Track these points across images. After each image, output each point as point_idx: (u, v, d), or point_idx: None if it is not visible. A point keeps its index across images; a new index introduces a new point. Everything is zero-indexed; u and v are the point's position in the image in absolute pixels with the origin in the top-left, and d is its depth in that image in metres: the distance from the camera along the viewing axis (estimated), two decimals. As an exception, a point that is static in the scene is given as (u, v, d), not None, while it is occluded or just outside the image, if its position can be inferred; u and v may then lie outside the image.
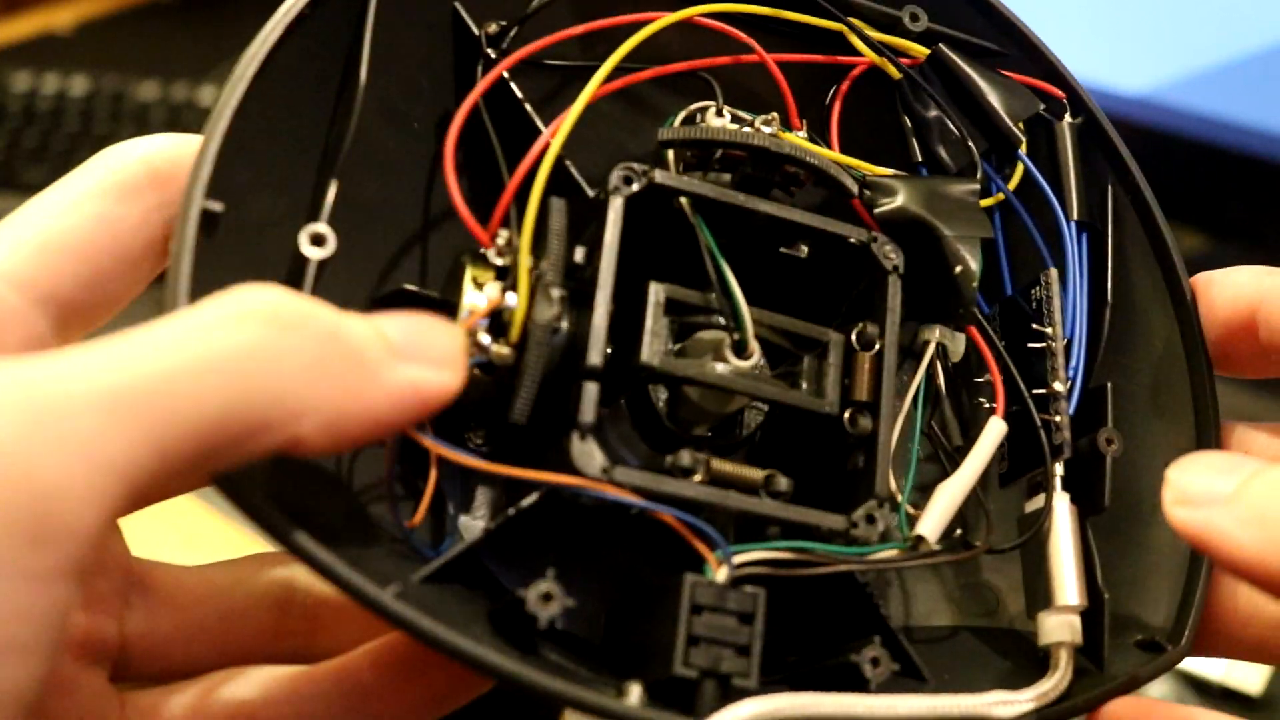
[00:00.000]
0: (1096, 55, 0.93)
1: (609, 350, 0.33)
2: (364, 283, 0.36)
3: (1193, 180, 0.96)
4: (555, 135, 0.34)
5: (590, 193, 0.35)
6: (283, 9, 0.33)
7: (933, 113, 0.39)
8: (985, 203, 0.39)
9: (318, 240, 0.32)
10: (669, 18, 0.36)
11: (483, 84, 0.35)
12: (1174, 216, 0.40)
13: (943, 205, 0.36)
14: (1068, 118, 0.40)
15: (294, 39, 0.33)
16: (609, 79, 0.35)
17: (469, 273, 0.34)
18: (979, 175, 0.38)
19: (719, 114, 0.37)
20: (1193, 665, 0.71)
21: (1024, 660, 0.36)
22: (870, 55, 0.39)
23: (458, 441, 0.35)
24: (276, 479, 0.30)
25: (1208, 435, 0.38)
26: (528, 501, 0.32)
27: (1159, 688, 0.69)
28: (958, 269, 0.36)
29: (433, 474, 0.34)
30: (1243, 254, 1.07)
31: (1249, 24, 0.90)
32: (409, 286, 0.36)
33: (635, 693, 0.30)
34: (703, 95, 0.38)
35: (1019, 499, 0.38)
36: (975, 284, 0.36)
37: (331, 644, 0.35)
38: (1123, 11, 0.94)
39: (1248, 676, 0.71)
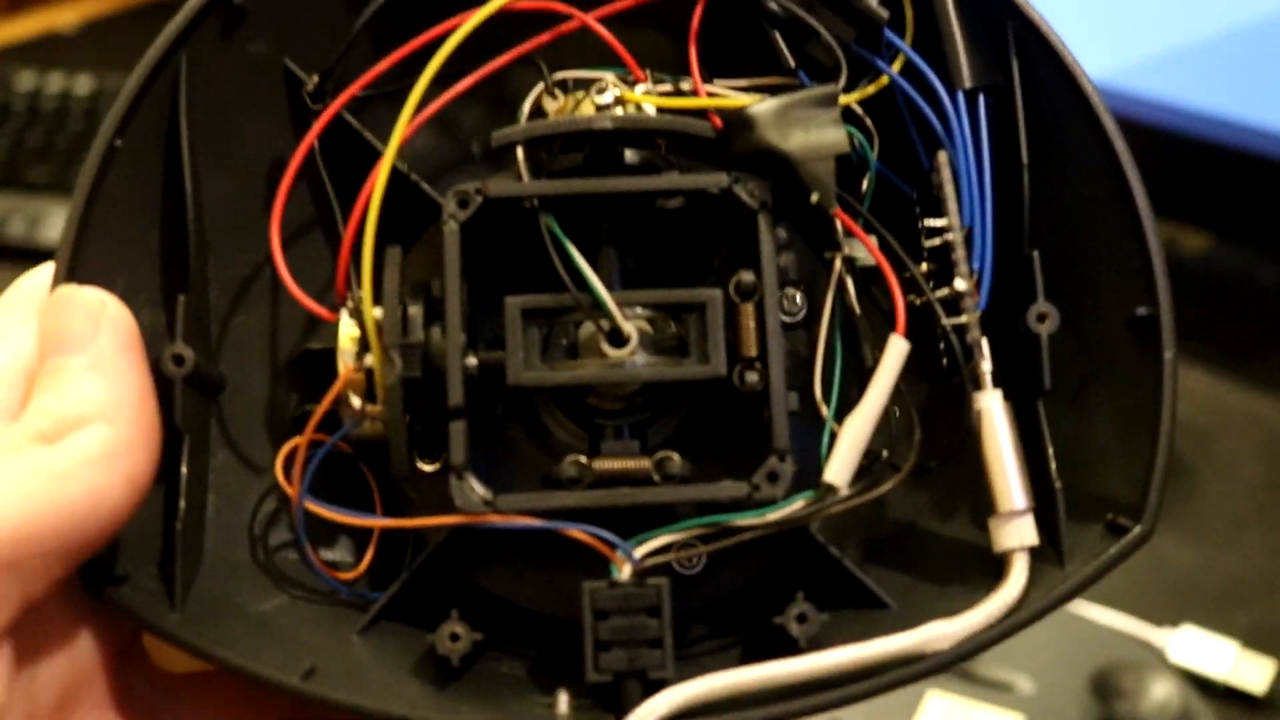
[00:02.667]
0: (1102, 53, 0.98)
1: (477, 373, 0.37)
2: (273, 348, 0.41)
3: (1198, 180, 1.00)
4: (379, 172, 0.37)
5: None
6: (100, 136, 0.38)
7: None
8: (868, 90, 0.40)
9: (179, 360, 0.37)
10: (468, 26, 0.38)
11: (309, 136, 0.39)
12: (1179, 216, 0.41)
13: (795, 125, 0.38)
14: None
15: (118, 160, 0.38)
16: (439, 90, 0.38)
17: (343, 333, 0.38)
18: (842, 75, 0.39)
19: (552, 96, 0.40)
20: (1197, 664, 0.75)
21: (991, 564, 0.39)
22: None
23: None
24: (199, 579, 0.36)
25: (1153, 285, 0.38)
26: (435, 543, 0.37)
27: (1164, 687, 0.74)
28: (814, 197, 0.38)
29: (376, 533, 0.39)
30: (1248, 253, 1.07)
31: (1255, 23, 0.95)
32: (313, 346, 0.41)
33: (563, 701, 0.35)
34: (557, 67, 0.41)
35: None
36: (832, 208, 0.38)
37: None
38: (1129, 9, 1.00)
39: (1252, 675, 0.76)
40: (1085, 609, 0.80)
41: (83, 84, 1.16)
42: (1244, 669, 0.77)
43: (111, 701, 0.37)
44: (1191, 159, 1.01)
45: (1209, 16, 0.98)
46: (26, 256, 1.08)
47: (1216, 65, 0.98)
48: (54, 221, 1.09)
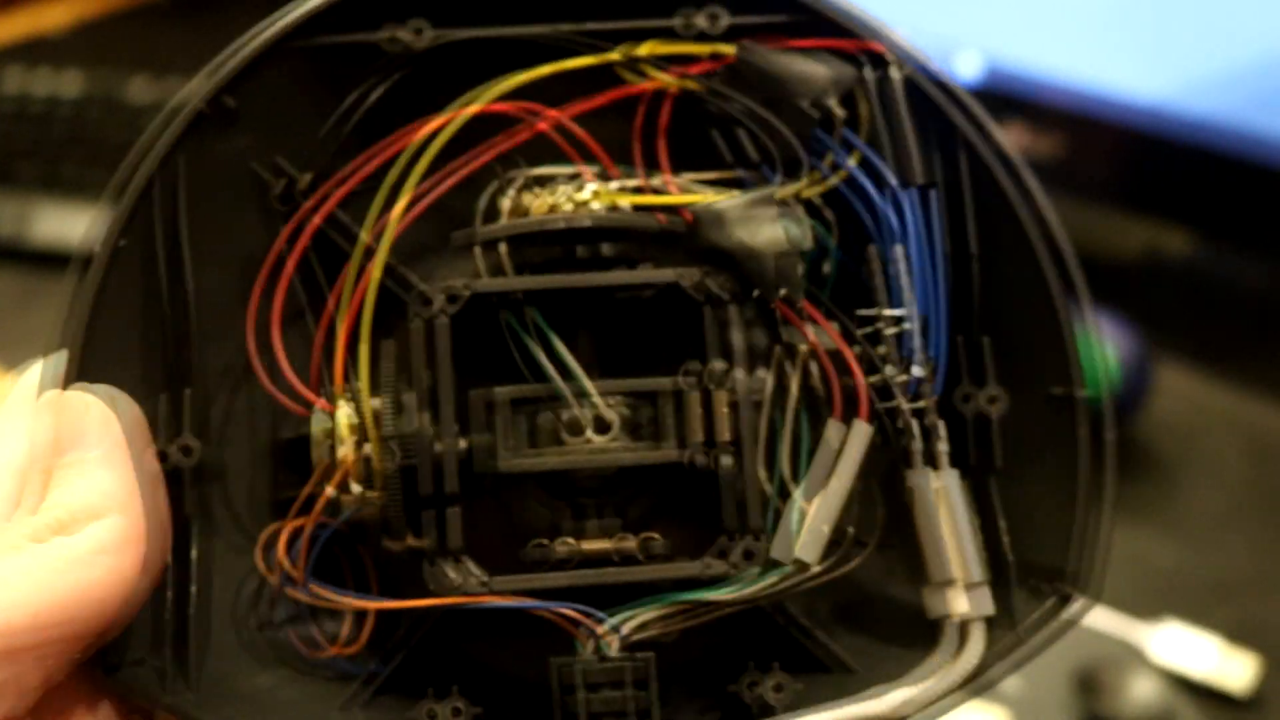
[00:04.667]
0: (1094, 59, 1.04)
1: (465, 456, 0.40)
2: (254, 433, 0.45)
3: (1181, 180, 1.04)
4: (372, 273, 0.41)
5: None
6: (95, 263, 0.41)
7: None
8: (828, 184, 0.43)
9: (186, 451, 0.40)
10: (444, 135, 0.42)
11: (280, 238, 0.43)
12: (1168, 218, 0.44)
13: (764, 221, 0.42)
14: (893, 72, 0.43)
15: (120, 258, 0.41)
16: (421, 192, 0.42)
17: (341, 419, 0.41)
18: (803, 171, 0.43)
19: (530, 193, 0.43)
20: (1180, 662, 0.79)
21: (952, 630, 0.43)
22: (662, 78, 0.43)
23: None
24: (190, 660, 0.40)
25: (1067, 365, 0.42)
26: (431, 620, 0.41)
27: (1147, 685, 0.77)
28: (781, 292, 0.41)
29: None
30: (1235, 256, 1.12)
31: (1244, 28, 0.99)
32: (296, 433, 0.44)
33: None
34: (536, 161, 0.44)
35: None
36: (799, 301, 0.41)
37: None
38: (1121, 16, 1.03)
39: (1235, 673, 0.79)
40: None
41: (70, 84, 1.19)
42: (1226, 667, 0.81)
43: None
44: (1175, 160, 1.04)
45: (1200, 23, 1.02)
46: (14, 256, 1.12)
47: (1211, 69, 1.02)
48: (41, 221, 1.12)
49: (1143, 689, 0.79)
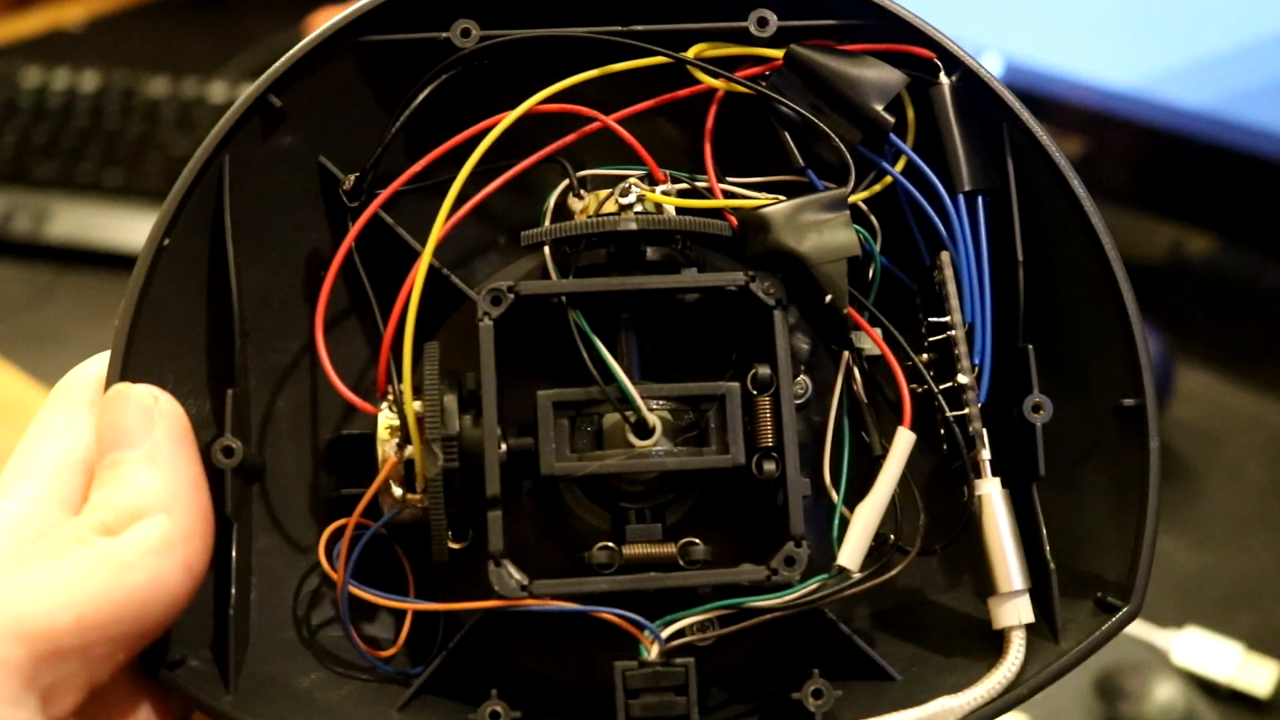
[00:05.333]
0: (1112, 56, 1.03)
1: (506, 459, 0.41)
2: (307, 433, 0.45)
3: (1205, 182, 1.04)
4: (417, 273, 0.41)
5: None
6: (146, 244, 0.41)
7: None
8: (874, 189, 0.44)
9: (228, 452, 0.40)
10: (498, 129, 0.42)
11: (349, 238, 0.43)
12: (1186, 218, 0.44)
13: (809, 228, 0.42)
14: (942, 77, 0.44)
15: (165, 258, 0.41)
16: (472, 194, 0.42)
17: (382, 423, 0.42)
18: (850, 177, 0.43)
19: (577, 195, 0.43)
20: (1201, 666, 0.78)
21: (991, 637, 0.43)
22: (712, 83, 0.43)
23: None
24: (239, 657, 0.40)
25: (1139, 377, 0.42)
26: (470, 623, 0.41)
27: (1168, 689, 0.77)
28: (827, 298, 0.41)
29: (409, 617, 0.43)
30: (1254, 256, 1.12)
31: (1263, 25, 0.98)
32: (348, 432, 0.45)
33: None
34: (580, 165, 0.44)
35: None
36: (845, 309, 0.42)
37: None
38: (1139, 13, 1.03)
39: (1257, 678, 0.78)
40: None
41: (88, 80, 1.19)
42: (1248, 671, 0.80)
43: None
44: (1198, 162, 1.04)
45: (1222, 25, 1.01)
46: (32, 253, 1.12)
47: (1225, 70, 1.01)
48: (59, 217, 1.12)
49: (1164, 693, 0.78)
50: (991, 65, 1.09)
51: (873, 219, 0.44)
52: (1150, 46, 1.04)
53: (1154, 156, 1.09)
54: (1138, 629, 0.83)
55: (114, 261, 1.07)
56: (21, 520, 0.38)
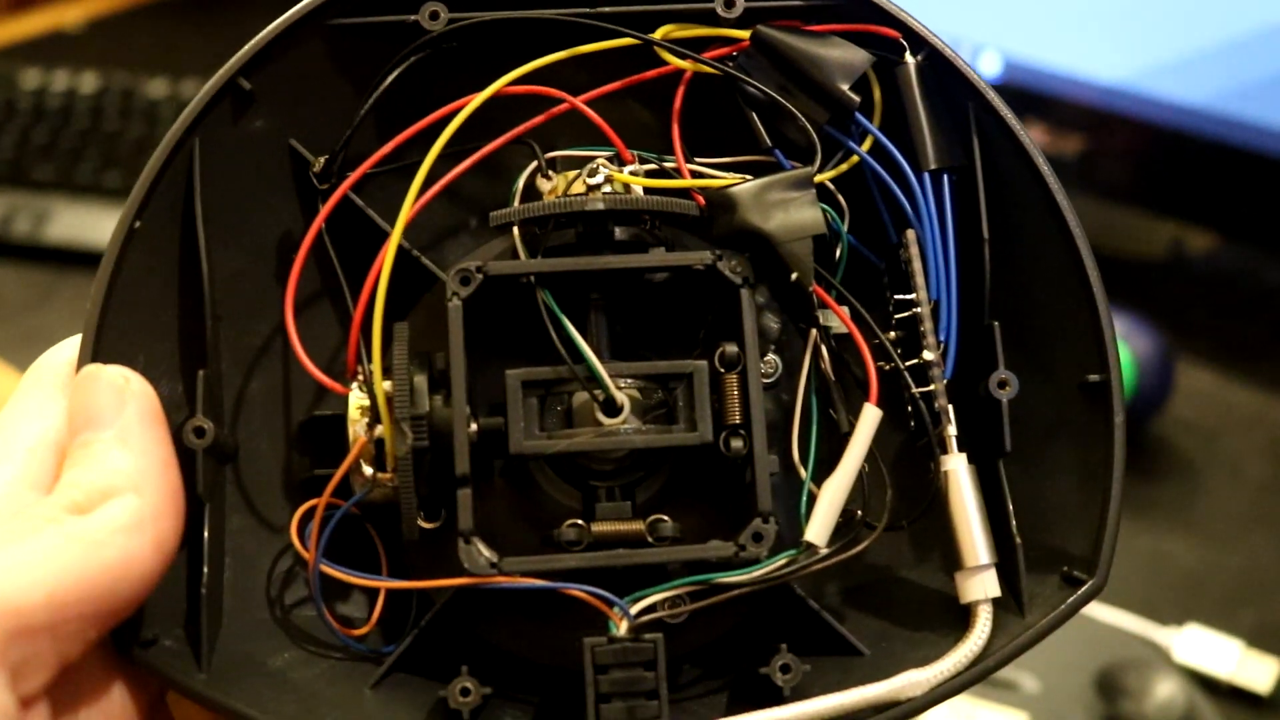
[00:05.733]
0: (1111, 53, 1.04)
1: (477, 439, 0.41)
2: (280, 414, 0.46)
3: (1205, 179, 1.04)
4: (386, 253, 0.42)
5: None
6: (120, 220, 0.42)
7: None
8: (841, 169, 0.44)
9: (199, 432, 0.41)
10: (468, 109, 0.42)
11: (319, 219, 0.43)
12: (1186, 215, 0.45)
13: (775, 207, 0.42)
14: (908, 57, 0.44)
15: (136, 241, 0.42)
16: (442, 175, 0.42)
17: (353, 403, 0.42)
18: (817, 156, 0.43)
19: (545, 177, 0.44)
20: (1201, 663, 0.79)
21: (958, 611, 0.43)
22: (679, 64, 0.44)
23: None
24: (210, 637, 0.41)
25: (1104, 353, 0.43)
26: (442, 601, 0.42)
27: (1169, 686, 0.77)
28: (793, 276, 0.42)
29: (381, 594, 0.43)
30: (1254, 253, 1.12)
31: (1264, 19, 0.98)
32: (320, 413, 0.45)
33: None
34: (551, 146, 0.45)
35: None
36: (810, 287, 0.42)
37: None
38: (1138, 9, 1.03)
39: (1257, 675, 0.79)
40: (1090, 608, 0.82)
41: (88, 82, 1.20)
42: (1248, 668, 0.81)
43: None
44: (1199, 158, 1.04)
45: (1221, 20, 1.02)
46: (32, 254, 1.13)
47: (1224, 66, 1.02)
48: (58, 219, 1.13)
49: (1165, 690, 0.79)
50: (990, 64, 1.10)
51: (840, 198, 0.45)
52: (1150, 43, 1.04)
53: (1154, 153, 1.09)
54: (1138, 626, 0.83)
55: (113, 263, 1.06)
56: None
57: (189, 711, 0.42)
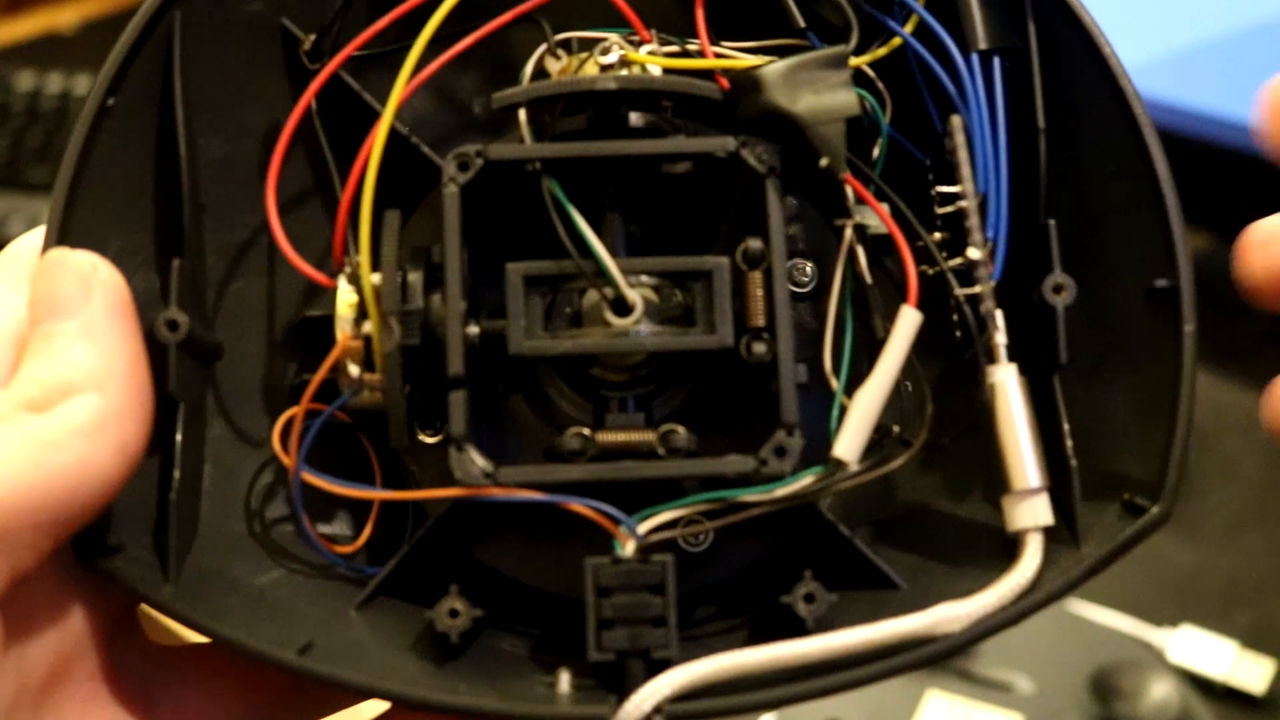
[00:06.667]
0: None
1: (479, 343, 0.36)
2: (271, 315, 0.40)
3: (1198, 180, 0.97)
4: (378, 132, 0.36)
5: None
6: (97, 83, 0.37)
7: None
8: (880, 52, 0.39)
9: (172, 325, 0.36)
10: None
11: (306, 96, 0.38)
12: (1185, 218, 0.40)
13: (805, 87, 0.37)
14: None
15: (110, 120, 0.37)
16: (439, 53, 0.37)
17: (342, 299, 0.37)
18: (854, 34, 0.38)
19: (555, 57, 0.38)
20: (1196, 664, 0.75)
21: (1004, 544, 0.38)
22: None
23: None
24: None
25: (1174, 256, 0.37)
26: (435, 516, 0.36)
27: (1164, 687, 0.74)
28: (823, 162, 0.37)
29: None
30: None
31: (1259, 19, 0.96)
32: (311, 313, 0.40)
33: (565, 680, 0.34)
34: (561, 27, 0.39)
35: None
36: (843, 173, 0.37)
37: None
38: (1133, 8, 0.98)
39: (1252, 675, 0.76)
40: (1084, 609, 0.80)
41: (83, 84, 1.16)
42: (1243, 669, 0.77)
43: (103, 674, 0.36)
44: (1192, 159, 1.01)
45: (1213, 18, 0.99)
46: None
47: (1218, 66, 0.99)
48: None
49: (1160, 691, 0.76)
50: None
51: (880, 85, 0.39)
52: (1144, 43, 1.01)
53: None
54: (1133, 627, 0.80)
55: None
56: None
57: (164, 629, 0.37)
